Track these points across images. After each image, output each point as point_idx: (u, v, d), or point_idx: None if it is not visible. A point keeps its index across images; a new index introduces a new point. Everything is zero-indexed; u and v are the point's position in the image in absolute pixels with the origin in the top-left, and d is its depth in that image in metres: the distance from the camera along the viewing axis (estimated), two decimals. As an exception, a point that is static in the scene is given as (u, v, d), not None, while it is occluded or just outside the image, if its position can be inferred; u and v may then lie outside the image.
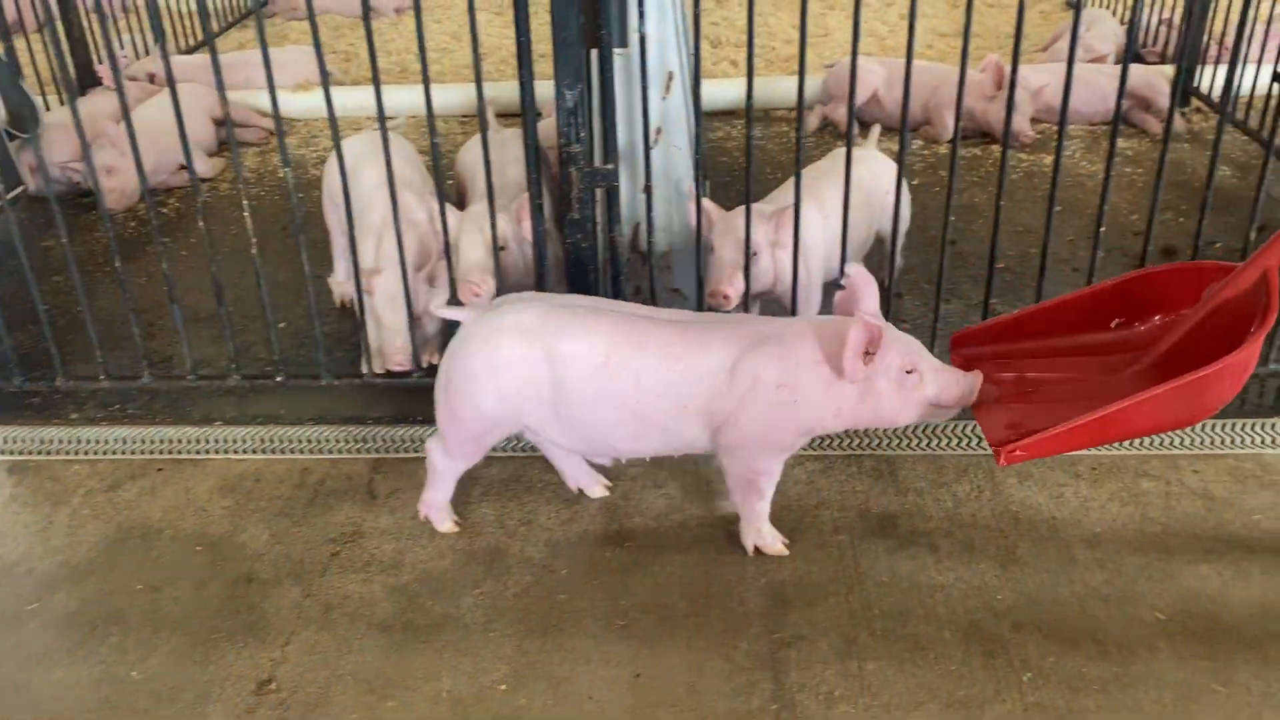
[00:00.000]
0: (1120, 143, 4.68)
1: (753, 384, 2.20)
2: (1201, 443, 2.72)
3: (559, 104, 2.53)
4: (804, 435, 2.29)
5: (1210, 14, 4.83)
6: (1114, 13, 5.84)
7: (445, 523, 2.54)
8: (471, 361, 2.28)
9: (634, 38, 2.63)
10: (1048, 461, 2.68)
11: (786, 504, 2.58)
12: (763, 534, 2.42)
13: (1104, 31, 5.42)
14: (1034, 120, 4.92)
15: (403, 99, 5.00)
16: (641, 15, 2.50)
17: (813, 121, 4.99)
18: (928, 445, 2.77)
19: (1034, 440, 2.05)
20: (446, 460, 2.45)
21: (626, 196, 2.81)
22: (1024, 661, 2.12)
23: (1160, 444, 2.72)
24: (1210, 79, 4.88)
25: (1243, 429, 2.76)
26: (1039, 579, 2.33)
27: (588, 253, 2.68)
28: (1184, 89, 5.02)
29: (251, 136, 5.03)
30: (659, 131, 2.82)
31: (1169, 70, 5.07)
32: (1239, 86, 4.63)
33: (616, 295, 2.74)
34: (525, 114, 2.58)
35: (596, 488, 2.63)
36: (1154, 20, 5.51)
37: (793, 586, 2.34)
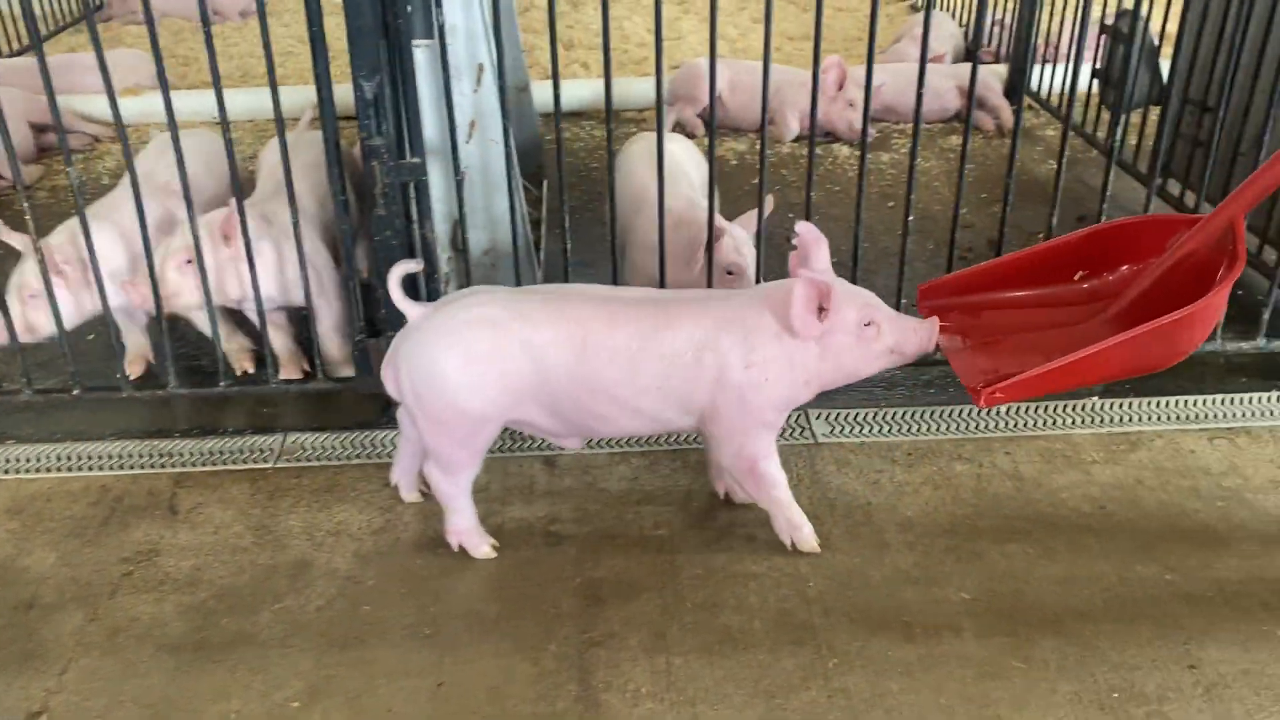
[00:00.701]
0: (954, 139, 4.83)
1: (721, 370, 2.17)
2: (1014, 425, 2.78)
3: (357, 96, 2.44)
4: (783, 411, 2.27)
5: (1037, 16, 5.01)
6: (953, 14, 6.01)
7: (482, 547, 2.36)
8: (441, 361, 2.14)
9: (443, 28, 2.57)
10: (866, 449, 2.70)
11: (608, 502, 2.54)
12: (796, 525, 2.34)
13: (942, 33, 5.56)
14: (873, 119, 5.02)
15: (243, 102, 4.83)
16: (439, 4, 2.44)
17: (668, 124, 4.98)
18: (752, 437, 2.76)
19: (1013, 382, 2.08)
20: (449, 478, 2.30)
21: (443, 192, 2.73)
22: (831, 648, 2.12)
23: (975, 427, 2.77)
24: (1040, 78, 5.05)
25: (1054, 411, 2.83)
26: (851, 564, 2.33)
27: (398, 250, 2.59)
28: (1016, 87, 5.19)
29: (76, 143, 4.77)
30: (473, 125, 2.75)
31: (1002, 70, 5.24)
32: (1065, 84, 4.85)
33: (431, 295, 2.66)
34: (323, 109, 2.48)
35: (413, 494, 2.54)
36: (988, 21, 5.68)
37: (609, 585, 2.29)
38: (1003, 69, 5.25)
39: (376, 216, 2.56)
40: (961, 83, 4.98)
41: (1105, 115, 4.33)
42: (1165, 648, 2.10)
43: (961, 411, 2.84)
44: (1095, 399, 2.86)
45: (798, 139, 4.86)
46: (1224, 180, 3.42)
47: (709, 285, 2.70)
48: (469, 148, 2.75)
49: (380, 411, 2.86)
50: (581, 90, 5.16)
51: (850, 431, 2.78)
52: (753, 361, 2.16)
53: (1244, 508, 2.48)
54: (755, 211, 2.76)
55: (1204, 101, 3.60)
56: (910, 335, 2.20)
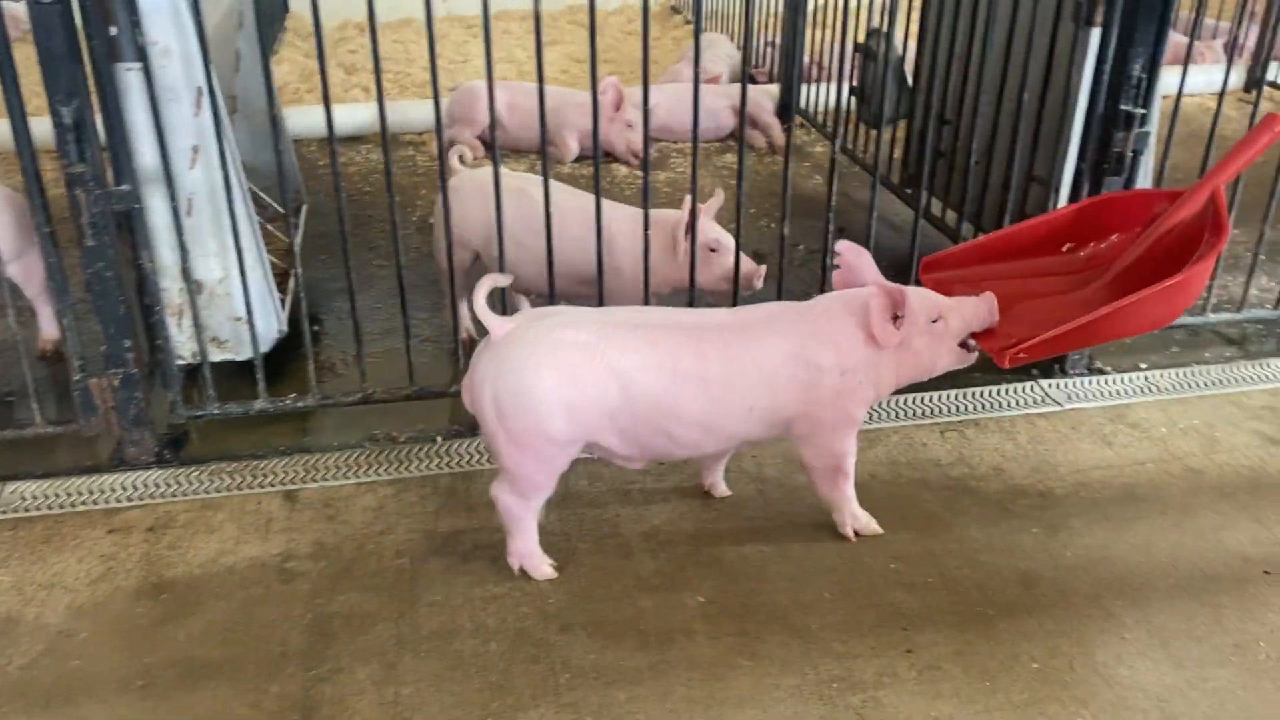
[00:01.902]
0: (729, 157, 4.96)
1: (816, 375, 2.21)
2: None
3: (55, 122, 2.31)
4: (866, 409, 2.32)
5: (805, 37, 5.23)
6: (731, 36, 6.20)
7: (543, 568, 2.32)
8: (529, 382, 2.09)
9: (154, 50, 2.46)
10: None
11: (349, 535, 2.46)
12: (858, 516, 2.43)
13: (718, 54, 5.73)
14: (650, 139, 5.11)
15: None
16: (136, 25, 2.33)
17: (436, 146, 4.93)
18: (505, 457, 2.74)
19: (1035, 343, 2.20)
20: (523, 500, 2.25)
21: (168, 220, 2.61)
22: (564, 663, 2.11)
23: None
24: (808, 97, 5.26)
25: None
26: (593, 577, 2.33)
27: (111, 283, 2.46)
28: (786, 106, 5.38)
29: None
30: (196, 151, 2.64)
31: (775, 89, 5.43)
32: (827, 102, 5.07)
33: (150, 328, 2.53)
34: (18, 138, 2.34)
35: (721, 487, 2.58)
36: (761, 42, 5.89)
37: (341, 619, 2.22)
38: (775, 89, 5.44)
39: (86, 248, 2.43)
40: (735, 102, 5.11)
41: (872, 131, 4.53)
42: (885, 635, 2.18)
43: (714, 419, 2.90)
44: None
45: (578, 159, 4.90)
46: (961, 189, 3.64)
47: (691, 266, 2.82)
48: (194, 174, 2.64)
49: (109, 455, 2.70)
50: (358, 114, 5.06)
51: (605, 445, 2.79)
52: (845, 368, 2.22)
53: (967, 495, 2.62)
54: (713, 201, 2.94)
55: (942, 115, 3.82)
56: (974, 315, 2.28)
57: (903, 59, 4.24)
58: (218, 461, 2.73)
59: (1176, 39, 6.10)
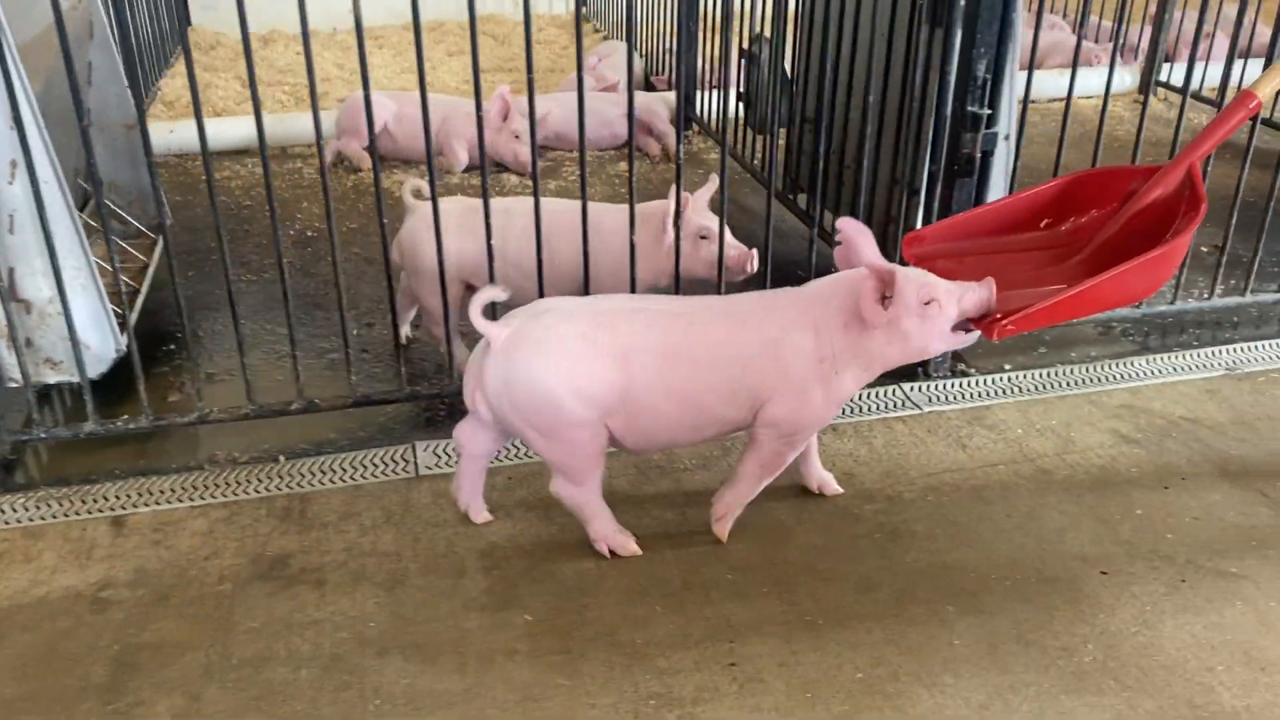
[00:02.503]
0: (622, 166, 4.93)
1: (795, 360, 2.23)
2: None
3: None
4: (840, 404, 2.32)
5: (701, 45, 5.21)
6: (635, 43, 6.17)
7: (629, 544, 2.39)
8: (544, 378, 2.17)
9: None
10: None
11: (173, 560, 2.38)
12: (732, 517, 2.43)
13: (616, 61, 5.70)
14: (542, 147, 5.06)
15: None
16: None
17: (327, 157, 4.84)
18: (348, 477, 2.67)
19: (1023, 315, 2.19)
20: (578, 489, 2.33)
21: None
22: (376, 689, 2.04)
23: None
24: (701, 104, 5.24)
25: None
26: (420, 598, 2.27)
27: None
28: (685, 115, 5.36)
29: None
30: (14, 165, 2.54)
31: (670, 96, 5.41)
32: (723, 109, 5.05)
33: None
34: None
35: (484, 515, 2.52)
36: (662, 49, 5.87)
37: (149, 650, 2.13)
38: (672, 96, 5.41)
39: (-114, 269, 2.32)
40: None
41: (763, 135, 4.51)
42: (711, 648, 2.14)
43: (569, 431, 2.84)
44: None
45: (467, 170, 4.84)
46: (836, 193, 3.63)
47: (676, 254, 2.85)
48: (14, 190, 2.55)
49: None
50: (243, 127, 4.96)
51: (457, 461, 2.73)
52: (823, 355, 2.22)
53: (815, 501, 2.59)
54: (705, 188, 2.93)
55: (817, 119, 3.80)
56: (972, 301, 2.23)
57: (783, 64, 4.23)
58: (49, 487, 2.63)
59: (1071, 41, 6.18)
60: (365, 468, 2.70)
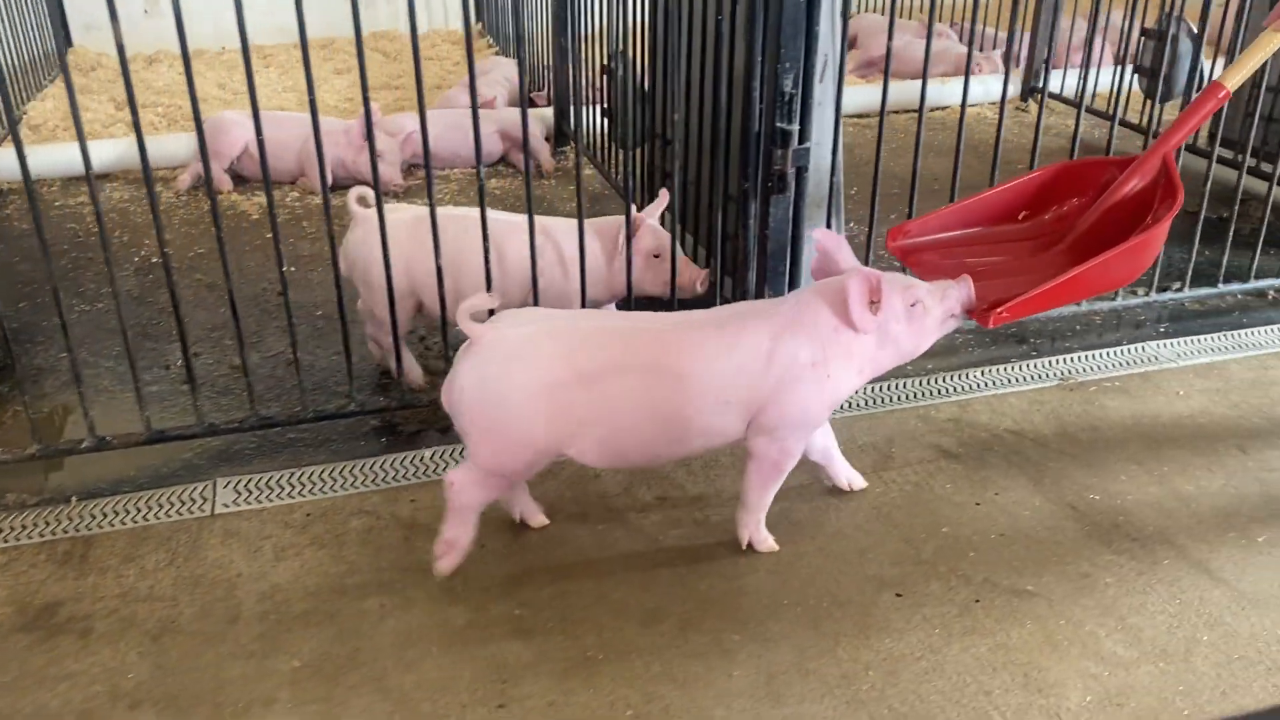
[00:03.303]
0: (493, 183, 4.87)
1: (789, 366, 2.21)
2: (423, 472, 2.74)
3: None
4: (834, 405, 2.32)
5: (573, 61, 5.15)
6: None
7: (454, 564, 2.33)
8: (506, 384, 2.15)
9: None
10: (265, 515, 2.57)
11: (-66, 612, 2.27)
12: (761, 526, 2.43)
13: (495, 77, 5.64)
14: (413, 165, 4.99)
15: None
16: None
17: (185, 180, 4.74)
18: (140, 517, 2.57)
19: (1016, 303, 2.25)
20: (477, 495, 2.27)
21: None
22: (117, 746, 1.95)
23: (392, 478, 2.70)
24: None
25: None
26: (188, 646, 2.18)
27: None
28: (560, 129, 5.31)
29: None
30: None
31: (547, 113, 5.36)
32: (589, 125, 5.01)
33: None
34: None
35: (538, 516, 2.53)
36: (542, 65, 5.82)
37: (-115, 712, 2.02)
38: (549, 112, 5.36)
39: None
40: (503, 127, 5.04)
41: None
42: (482, 689, 2.07)
43: (386, 462, 2.77)
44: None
45: (334, 188, 4.74)
46: (681, 206, 3.59)
47: (629, 273, 2.85)
48: None
49: None
50: (105, 151, 4.83)
51: (258, 497, 2.64)
52: (817, 360, 2.22)
53: (622, 528, 2.53)
54: (656, 203, 2.95)
55: (665, 135, 3.76)
56: (954, 299, 2.28)
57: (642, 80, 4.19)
58: None
59: (957, 50, 6.21)
60: (159, 507, 2.60)
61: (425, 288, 2.87)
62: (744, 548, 2.43)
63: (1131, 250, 2.34)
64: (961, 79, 5.68)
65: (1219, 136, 3.41)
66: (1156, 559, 2.42)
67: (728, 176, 3.13)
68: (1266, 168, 3.95)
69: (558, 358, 2.17)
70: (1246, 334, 3.44)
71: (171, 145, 4.99)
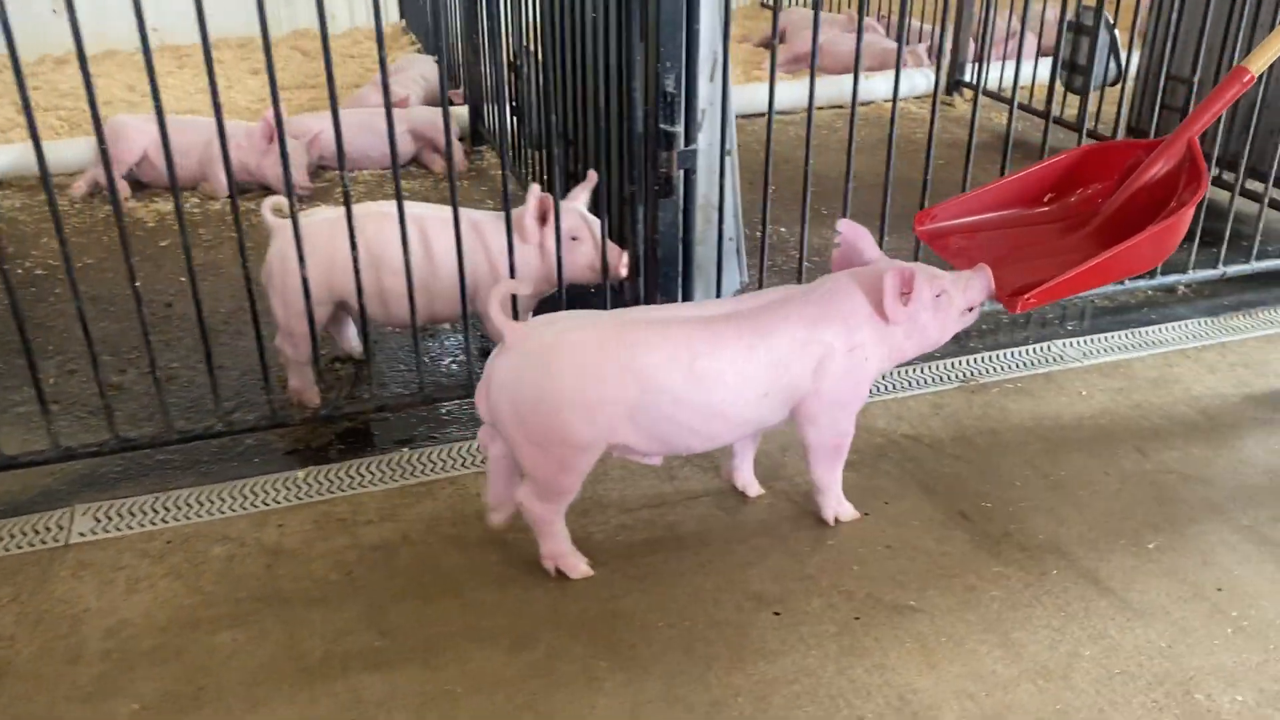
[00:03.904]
0: (404, 184, 4.72)
1: (827, 354, 2.24)
2: (294, 495, 2.62)
3: None
4: (871, 384, 2.36)
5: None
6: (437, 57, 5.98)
7: (580, 566, 2.33)
8: (554, 387, 2.10)
9: None
10: (122, 544, 2.44)
11: None
12: (843, 502, 2.49)
13: (411, 75, 5.50)
14: (324, 168, 4.85)
15: None
16: None
17: (81, 186, 4.56)
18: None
19: (1044, 289, 2.28)
20: (548, 505, 2.25)
21: None
22: (-73, 804, 1.82)
23: (262, 501, 2.58)
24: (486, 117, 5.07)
25: (342, 474, 2.69)
26: (19, 690, 2.04)
27: None
28: (475, 130, 5.19)
29: None
30: None
31: (460, 112, 5.23)
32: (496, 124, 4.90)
33: None
34: None
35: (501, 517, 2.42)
36: (458, 63, 5.69)
37: None
38: (465, 110, 5.23)
39: None
40: (414, 126, 4.91)
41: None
42: (333, 726, 1.96)
43: (256, 485, 2.64)
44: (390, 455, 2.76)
45: (242, 193, 4.58)
46: (592, 208, 3.48)
47: (558, 254, 2.76)
48: None
49: None
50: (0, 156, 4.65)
51: (117, 525, 2.51)
52: (854, 345, 2.25)
53: (497, 551, 2.43)
54: (581, 186, 2.89)
55: (566, 133, 3.66)
56: (976, 289, 2.32)
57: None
58: None
59: (882, 44, 6.16)
60: (9, 538, 2.46)
61: (348, 287, 2.76)
62: (831, 523, 2.49)
63: (1158, 235, 2.36)
64: (884, 73, 5.68)
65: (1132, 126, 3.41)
66: (1045, 569, 2.35)
67: (621, 179, 3.03)
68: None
69: (597, 349, 2.14)
70: (1153, 331, 3.40)
71: (68, 151, 4.81)
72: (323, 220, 2.83)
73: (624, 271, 2.84)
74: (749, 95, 5.33)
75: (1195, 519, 2.52)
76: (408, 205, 2.93)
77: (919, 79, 5.95)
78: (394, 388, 3.10)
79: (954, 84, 5.90)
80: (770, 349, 2.22)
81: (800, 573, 2.35)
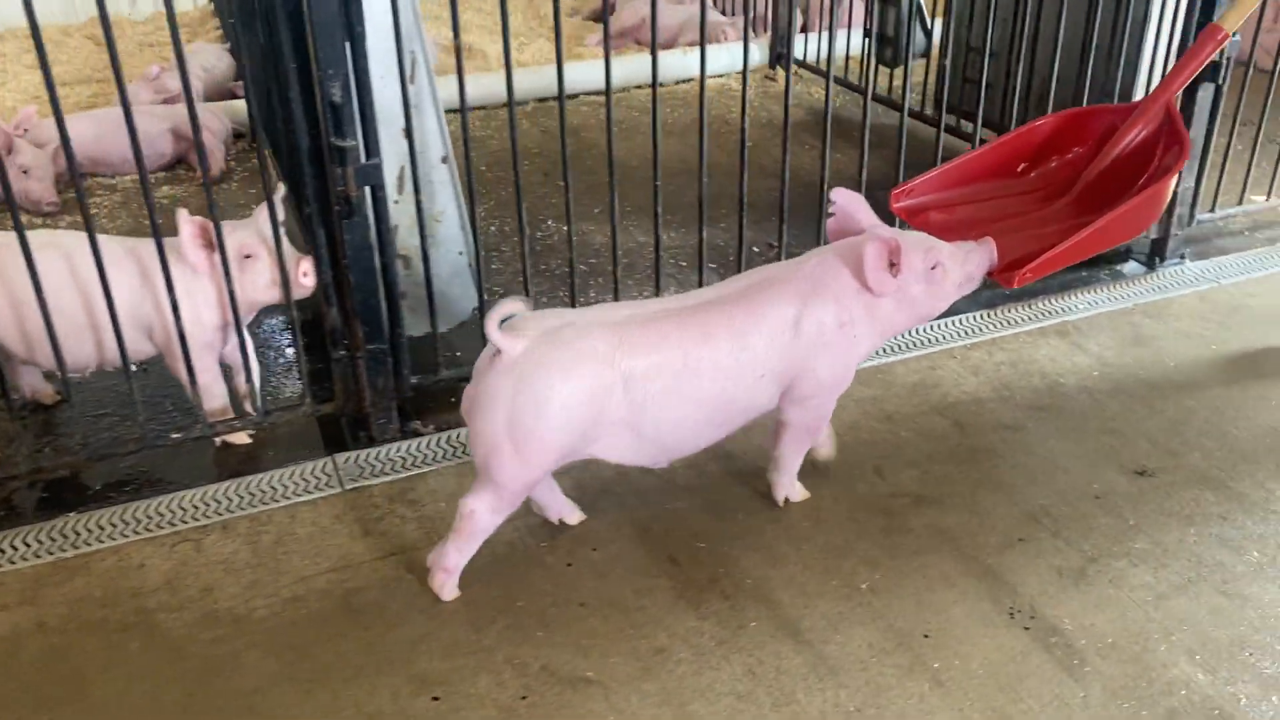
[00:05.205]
0: (165, 189, 4.36)
1: (818, 333, 2.19)
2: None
3: None
4: (860, 362, 2.31)
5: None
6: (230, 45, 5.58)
7: (455, 590, 2.21)
8: (546, 395, 2.01)
9: None
10: None
11: None
12: (794, 484, 2.46)
13: (189, 67, 5.09)
14: (92, 174, 4.46)
15: None
16: None
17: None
18: None
19: (1040, 262, 2.27)
20: (495, 515, 2.14)
21: None
22: None
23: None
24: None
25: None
26: None
27: None
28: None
29: None
30: None
31: (231, 107, 4.88)
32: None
33: None
34: None
35: (575, 514, 2.42)
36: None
37: None
38: (239, 106, 4.87)
39: None
40: (177, 124, 4.53)
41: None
42: None
43: None
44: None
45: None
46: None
47: (226, 275, 2.49)
48: None
49: None
50: None
51: None
52: (844, 321, 2.19)
53: (142, 633, 2.15)
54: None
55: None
56: (974, 263, 2.25)
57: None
58: None
59: (712, 17, 5.88)
60: None
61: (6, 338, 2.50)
62: (781, 504, 2.45)
63: (1146, 200, 2.35)
64: (712, 48, 5.43)
65: (944, 103, 3.38)
66: (744, 621, 2.16)
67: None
68: (967, 126, 3.73)
69: (595, 359, 2.05)
70: (924, 329, 3.22)
71: None
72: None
73: (306, 281, 2.56)
74: (580, 74, 5.08)
75: (920, 550, 2.34)
76: (61, 234, 2.65)
77: (740, 54, 5.71)
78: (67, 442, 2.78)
79: (777, 57, 5.67)
80: (761, 329, 2.17)
81: (477, 645, 2.11)
